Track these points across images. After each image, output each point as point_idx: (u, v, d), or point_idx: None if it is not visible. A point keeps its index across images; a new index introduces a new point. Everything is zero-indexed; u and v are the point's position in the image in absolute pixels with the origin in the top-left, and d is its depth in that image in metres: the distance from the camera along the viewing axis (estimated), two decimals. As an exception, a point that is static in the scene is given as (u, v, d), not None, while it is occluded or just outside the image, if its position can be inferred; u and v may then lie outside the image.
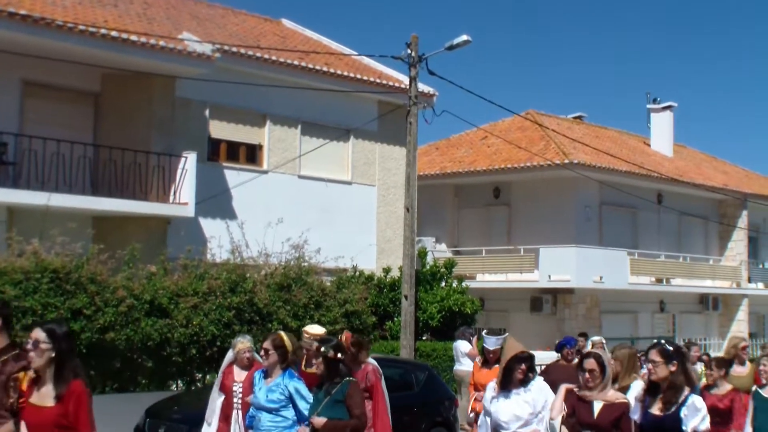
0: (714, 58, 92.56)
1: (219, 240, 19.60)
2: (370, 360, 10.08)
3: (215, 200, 21.18)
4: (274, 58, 22.24)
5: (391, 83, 24.76)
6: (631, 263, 31.02)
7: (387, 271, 22.42)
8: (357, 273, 21.75)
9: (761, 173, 43.48)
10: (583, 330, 28.71)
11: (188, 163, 20.16)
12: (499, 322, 30.33)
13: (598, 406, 7.57)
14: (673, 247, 34.48)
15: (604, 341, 14.65)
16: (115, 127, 20.36)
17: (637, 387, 10.34)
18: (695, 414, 6.84)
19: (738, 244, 36.86)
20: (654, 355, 7.07)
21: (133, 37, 18.84)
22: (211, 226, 21.03)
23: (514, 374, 8.30)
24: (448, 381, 17.94)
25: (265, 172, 22.91)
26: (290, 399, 8.55)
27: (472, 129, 33.33)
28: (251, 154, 23.07)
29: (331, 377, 8.25)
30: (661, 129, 37.55)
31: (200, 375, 17.40)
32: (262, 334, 17.59)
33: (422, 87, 22.45)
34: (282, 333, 8.86)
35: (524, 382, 8.32)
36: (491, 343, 11.63)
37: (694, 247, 35.73)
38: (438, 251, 29.88)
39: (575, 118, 38.11)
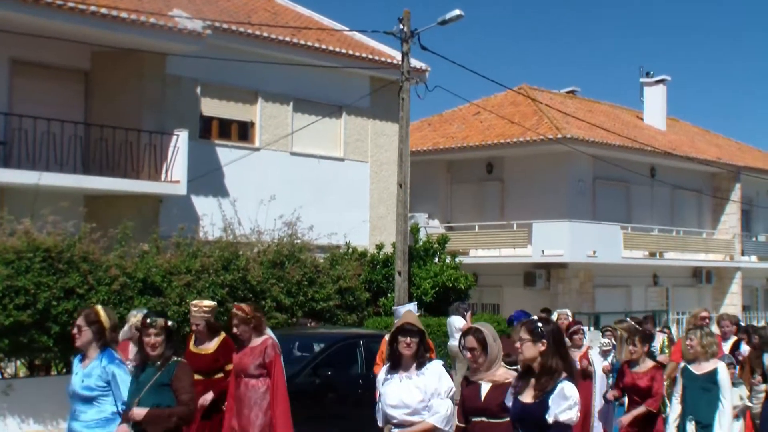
0: (707, 31, 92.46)
1: (211, 218, 19.56)
2: (269, 332, 9.22)
3: (207, 178, 21.11)
4: (265, 34, 22.11)
5: (383, 59, 24.65)
6: (625, 237, 31.05)
7: (380, 247, 22.40)
8: (350, 249, 21.73)
9: (754, 146, 43.52)
10: (576, 305, 28.88)
11: (180, 141, 20.08)
12: (492, 298, 30.40)
13: (485, 388, 6.85)
14: (667, 221, 34.52)
15: (569, 313, 14.29)
16: (106, 105, 20.26)
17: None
18: (561, 402, 5.90)
19: (731, 218, 36.90)
20: (521, 332, 6.10)
21: (123, 14, 18.71)
22: (203, 204, 20.98)
23: (397, 351, 7.05)
24: (443, 356, 17.95)
25: (257, 149, 22.84)
26: (110, 385, 7.22)
27: (464, 104, 33.26)
28: (243, 132, 22.99)
29: (159, 357, 7.00)
30: (654, 103, 37.50)
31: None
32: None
33: (414, 62, 22.34)
34: (98, 307, 7.55)
35: (420, 364, 7.04)
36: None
37: (688, 221, 35.77)
38: (431, 227, 29.89)
39: (568, 92, 38.01)
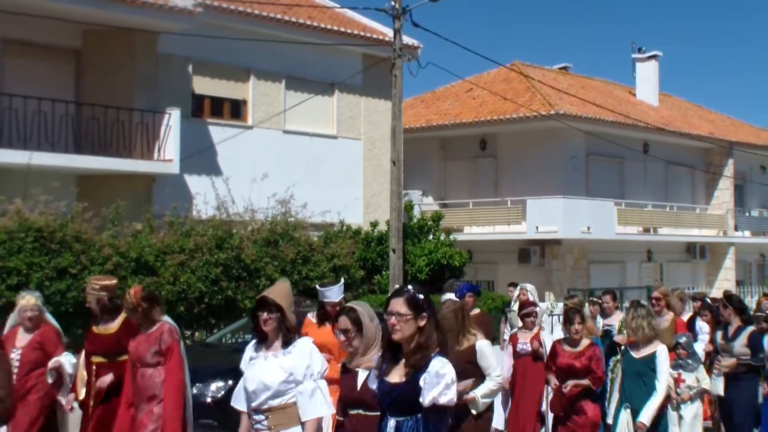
0: (699, 5, 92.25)
1: (204, 196, 19.52)
2: (166, 318, 8.52)
3: (200, 157, 21.03)
4: (257, 12, 21.98)
5: (375, 36, 24.54)
6: (619, 213, 31.06)
7: (374, 225, 22.36)
8: (344, 227, 21.69)
9: (747, 121, 43.48)
10: (570, 281, 28.91)
11: (172, 120, 19.98)
12: (487, 274, 30.39)
13: (362, 377, 5.95)
14: (660, 197, 34.52)
15: (529, 288, 13.42)
16: (97, 84, 20.14)
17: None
18: (436, 382, 5.08)
19: (724, 193, 36.91)
20: (399, 306, 5.25)
21: (113, -8, 18.57)
22: (196, 183, 20.91)
23: (259, 327, 6.32)
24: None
25: (250, 127, 22.75)
26: None
27: (457, 81, 33.15)
28: (235, 110, 22.90)
29: None
30: (647, 78, 37.41)
31: (188, 332, 17.37)
32: (250, 290, 17.61)
33: (407, 39, 22.24)
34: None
35: (286, 342, 6.33)
36: (334, 294, 9.45)
37: (681, 196, 35.78)
38: (425, 204, 29.86)
39: (561, 68, 37.91)
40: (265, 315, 6.27)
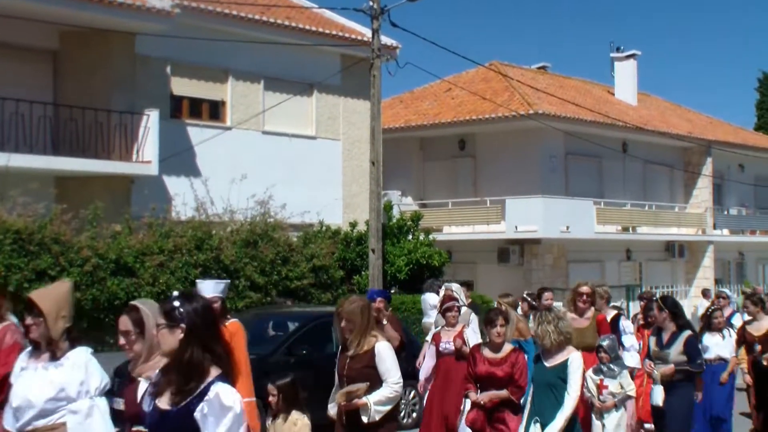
0: (677, 4, 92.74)
1: (183, 197, 19.51)
2: (11, 317, 7.78)
3: (179, 158, 21.00)
4: (234, 12, 21.98)
5: (353, 36, 24.57)
6: (597, 212, 31.19)
7: (353, 225, 22.40)
8: (323, 228, 21.72)
9: (725, 120, 43.75)
10: (550, 280, 29.00)
11: (150, 121, 19.95)
12: (466, 274, 30.41)
13: (143, 387, 5.10)
14: (639, 196, 34.69)
15: (454, 288, 12.81)
16: (75, 86, 20.10)
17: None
18: (220, 415, 4.16)
19: (703, 192, 37.11)
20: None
21: (90, -7, 18.54)
22: (175, 184, 20.88)
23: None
24: (417, 333, 18.00)
25: (229, 128, 22.74)
26: None
27: (436, 81, 33.20)
28: (214, 111, 22.88)
29: None
30: (625, 78, 37.58)
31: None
32: (230, 291, 17.60)
33: (385, 39, 22.29)
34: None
35: (53, 353, 5.55)
36: (207, 288, 8.25)
37: (660, 195, 35.96)
38: (404, 204, 29.91)
39: (539, 68, 38.03)
40: (29, 320, 5.51)
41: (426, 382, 11.18)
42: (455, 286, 12.60)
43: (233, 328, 8.19)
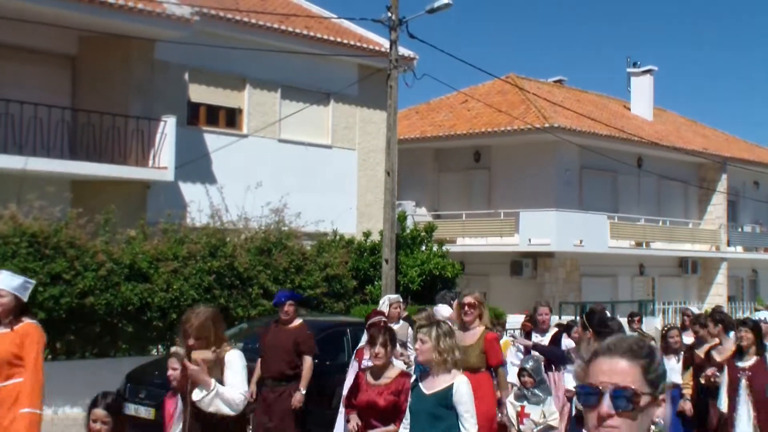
0: (695, 19, 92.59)
1: (199, 204, 19.53)
2: None
3: (195, 164, 21.06)
4: (253, 21, 22.06)
5: (371, 47, 24.61)
6: (611, 227, 31.14)
7: (367, 235, 22.39)
8: (337, 237, 21.72)
9: (741, 137, 43.64)
10: (563, 294, 28.95)
11: (167, 127, 20.02)
12: (479, 286, 30.19)
13: None
14: (653, 211, 34.62)
15: (400, 300, 12.24)
16: (93, 91, 20.18)
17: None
18: None
19: (717, 208, 37.02)
20: None
21: (111, 0, 18.64)
22: (190, 191, 20.94)
23: None
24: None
25: (245, 136, 22.79)
26: None
27: (452, 93, 33.24)
28: (231, 118, 22.95)
29: None
30: (642, 93, 37.57)
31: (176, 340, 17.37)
32: (243, 299, 17.64)
33: (402, 50, 22.31)
34: None
35: None
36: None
37: (674, 211, 35.88)
38: (418, 215, 29.91)
39: (556, 81, 38.04)
40: None
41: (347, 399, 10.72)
42: (393, 297, 12.24)
43: (24, 329, 7.05)
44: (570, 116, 30.48)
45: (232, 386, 6.23)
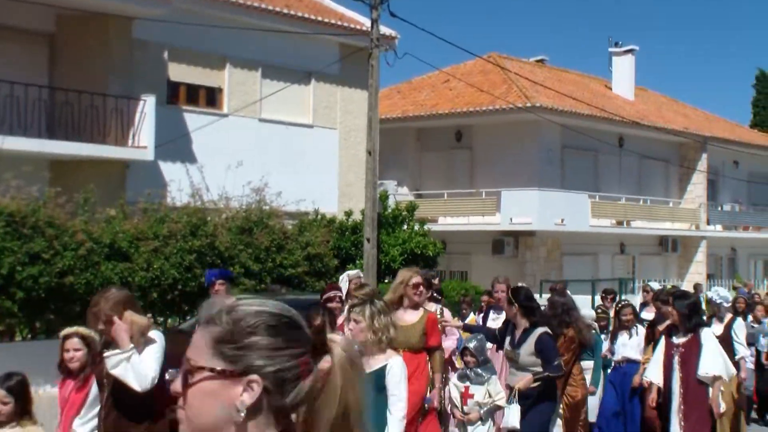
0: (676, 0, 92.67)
1: (179, 183, 19.43)
2: None
3: (175, 144, 20.94)
4: (233, -1, 21.90)
5: (352, 25, 24.50)
6: (592, 206, 31.22)
7: (349, 214, 22.36)
8: (318, 216, 21.68)
9: (721, 116, 43.78)
10: (544, 272, 29.01)
11: (147, 107, 19.89)
12: (461, 265, 30.48)
13: None
14: (634, 190, 34.73)
15: (360, 275, 11.89)
16: (71, 69, 20.00)
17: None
18: None
19: (697, 187, 37.19)
20: None
21: (88, -23, 18.47)
22: (170, 170, 20.83)
23: None
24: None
25: (226, 115, 22.68)
26: None
27: (433, 72, 33.14)
28: (211, 98, 22.83)
29: None
30: (623, 72, 37.61)
31: (162, 319, 17.32)
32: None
33: (384, 29, 22.20)
34: None
35: None
36: None
37: (655, 190, 36.01)
38: (400, 195, 29.88)
39: (537, 61, 38.02)
40: None
41: None
42: (353, 273, 11.83)
43: None
44: (551, 96, 30.48)
45: (143, 363, 6.03)
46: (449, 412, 9.22)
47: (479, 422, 8.72)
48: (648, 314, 13.18)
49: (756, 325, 14.50)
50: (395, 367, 6.30)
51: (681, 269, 36.37)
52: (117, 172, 19.97)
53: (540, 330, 8.67)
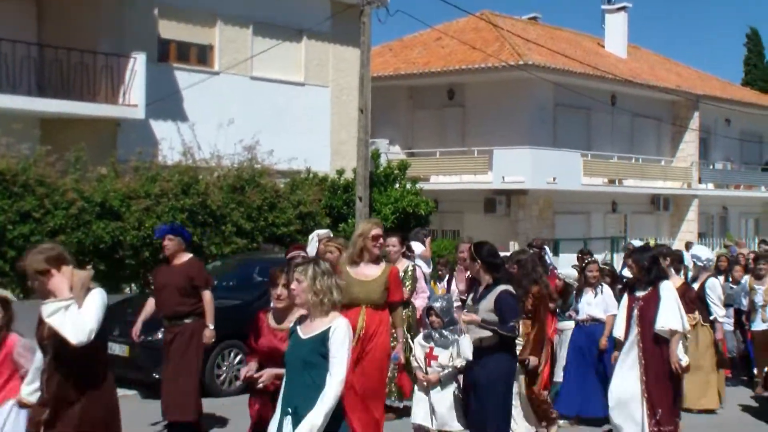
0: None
1: (170, 142, 19.33)
2: None
3: (166, 102, 20.80)
4: (223, -45, 21.67)
5: (343, -18, 24.27)
6: (585, 164, 31.17)
7: (341, 173, 22.31)
8: (310, 175, 21.62)
9: (714, 74, 43.66)
10: (536, 231, 29.04)
11: (137, 64, 19.74)
12: (453, 224, 30.49)
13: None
14: (626, 149, 34.68)
15: (330, 235, 11.58)
16: (60, 26, 19.84)
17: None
18: None
19: (689, 146, 37.15)
20: None
21: (77, -68, 18.24)
22: (161, 128, 20.70)
23: None
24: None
25: (217, 73, 22.53)
26: None
27: (425, 29, 32.93)
28: (202, 55, 22.66)
29: None
30: (616, 30, 37.39)
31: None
32: (216, 236, 17.55)
33: (376, -15, 22.01)
34: None
35: None
36: None
37: (647, 149, 35.96)
38: (392, 153, 29.79)
39: (530, 18, 37.79)
40: None
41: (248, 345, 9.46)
42: (323, 232, 11.53)
43: None
44: (544, 53, 30.33)
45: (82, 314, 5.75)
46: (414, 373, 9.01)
47: (438, 386, 8.52)
48: (629, 272, 12.99)
49: (735, 286, 14.20)
50: (339, 329, 5.81)
51: (673, 228, 36.43)
52: (108, 130, 19.85)
53: (501, 287, 8.25)
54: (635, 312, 9.29)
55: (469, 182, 30.27)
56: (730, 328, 13.55)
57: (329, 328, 5.80)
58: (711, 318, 12.20)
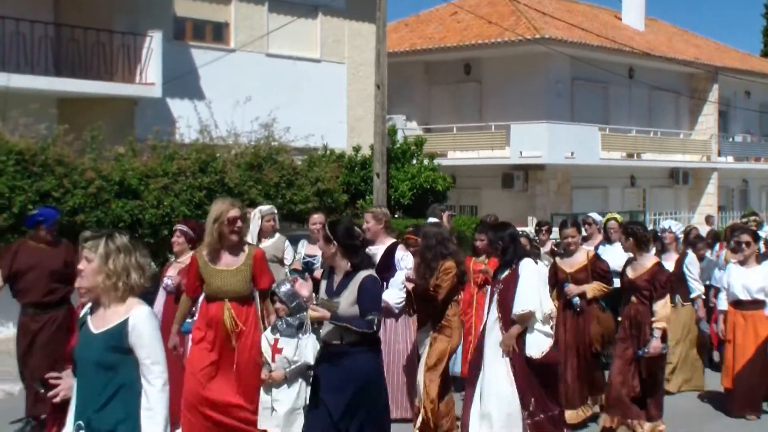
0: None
1: (187, 120, 19.32)
2: None
3: (182, 80, 20.80)
4: (238, -69, 21.60)
5: (359, -43, 24.17)
6: (603, 138, 31.04)
7: (357, 149, 22.28)
8: (327, 151, 21.60)
9: (732, 46, 43.30)
10: (554, 206, 28.97)
11: (153, 43, 19.74)
12: (470, 200, 30.45)
13: None
14: (644, 122, 34.50)
15: (274, 211, 11.11)
16: (77, 6, 19.82)
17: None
18: None
19: (708, 118, 36.91)
20: None
21: None
22: (178, 107, 20.72)
23: None
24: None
25: (233, 50, 22.50)
26: None
27: (441, 4, 32.86)
28: (218, 33, 22.63)
29: None
30: (633, 2, 37.11)
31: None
32: (233, 214, 17.55)
33: (391, -40, 21.96)
34: None
35: None
36: None
37: (665, 122, 35.76)
38: (408, 129, 29.74)
39: (546, -8, 37.54)
40: None
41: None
42: (266, 209, 10.87)
43: None
44: (561, 27, 30.15)
45: None
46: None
47: (284, 384, 7.26)
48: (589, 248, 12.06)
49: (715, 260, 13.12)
50: (141, 322, 4.80)
51: (692, 202, 36.26)
52: (125, 109, 19.88)
53: (364, 273, 6.81)
54: (495, 297, 8.39)
55: (486, 158, 30.20)
56: (725, 307, 10.95)
57: (126, 320, 4.78)
58: (692, 296, 11.50)
